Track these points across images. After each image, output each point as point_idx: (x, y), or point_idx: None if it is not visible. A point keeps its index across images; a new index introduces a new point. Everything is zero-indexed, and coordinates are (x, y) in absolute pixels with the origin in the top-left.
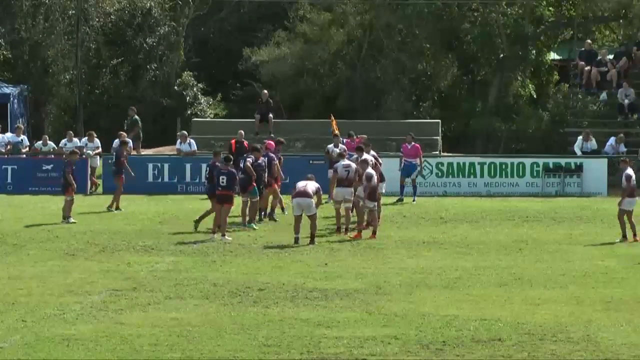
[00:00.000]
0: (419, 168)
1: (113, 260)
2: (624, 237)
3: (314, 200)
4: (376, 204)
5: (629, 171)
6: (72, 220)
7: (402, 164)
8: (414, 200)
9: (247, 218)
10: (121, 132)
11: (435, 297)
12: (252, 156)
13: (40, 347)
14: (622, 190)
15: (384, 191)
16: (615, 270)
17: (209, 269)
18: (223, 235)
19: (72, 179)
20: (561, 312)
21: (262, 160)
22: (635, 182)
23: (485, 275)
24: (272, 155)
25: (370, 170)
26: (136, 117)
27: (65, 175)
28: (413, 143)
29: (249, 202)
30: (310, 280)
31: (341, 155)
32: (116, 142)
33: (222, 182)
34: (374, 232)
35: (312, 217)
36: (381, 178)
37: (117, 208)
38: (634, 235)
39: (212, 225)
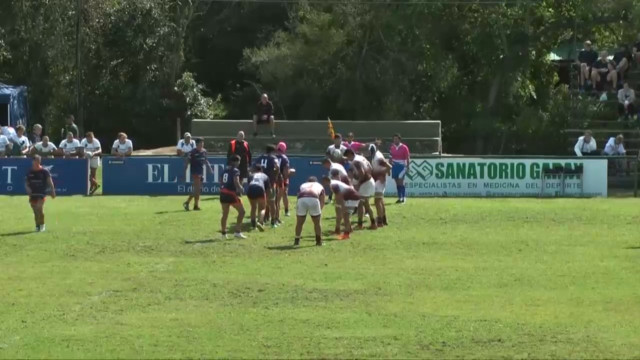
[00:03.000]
0: (405, 169)
1: (113, 261)
2: None
3: (319, 201)
4: (357, 202)
5: None
6: (42, 228)
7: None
8: (403, 201)
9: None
10: (121, 133)
11: (435, 297)
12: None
13: (40, 348)
14: None
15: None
16: (615, 271)
17: (209, 269)
18: (237, 232)
19: (29, 187)
20: (561, 312)
21: (276, 161)
22: None
23: (485, 276)
24: (285, 157)
25: (333, 182)
26: (74, 125)
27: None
28: (401, 144)
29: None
30: (310, 281)
31: (348, 154)
32: (116, 142)
33: (225, 180)
34: (346, 232)
35: (316, 219)
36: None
37: (196, 207)
38: None
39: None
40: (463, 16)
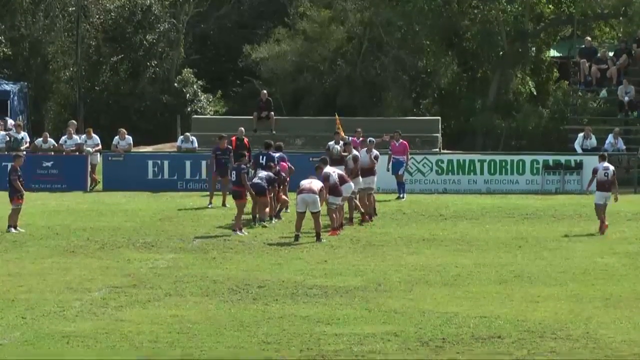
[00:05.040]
0: (405, 165)
1: (113, 257)
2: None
3: (319, 197)
4: (340, 199)
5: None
6: (20, 229)
7: (390, 162)
8: (403, 197)
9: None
10: (121, 129)
11: (435, 294)
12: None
13: (40, 344)
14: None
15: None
16: (614, 268)
17: (208, 266)
18: (234, 230)
19: (20, 185)
20: (561, 309)
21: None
22: (606, 175)
23: (485, 273)
24: (283, 156)
25: (326, 169)
26: (24, 133)
27: (11, 182)
28: (401, 140)
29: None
30: (310, 278)
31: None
32: (116, 139)
33: (232, 178)
34: (334, 229)
35: (316, 215)
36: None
37: (219, 202)
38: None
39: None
40: (463, 12)
